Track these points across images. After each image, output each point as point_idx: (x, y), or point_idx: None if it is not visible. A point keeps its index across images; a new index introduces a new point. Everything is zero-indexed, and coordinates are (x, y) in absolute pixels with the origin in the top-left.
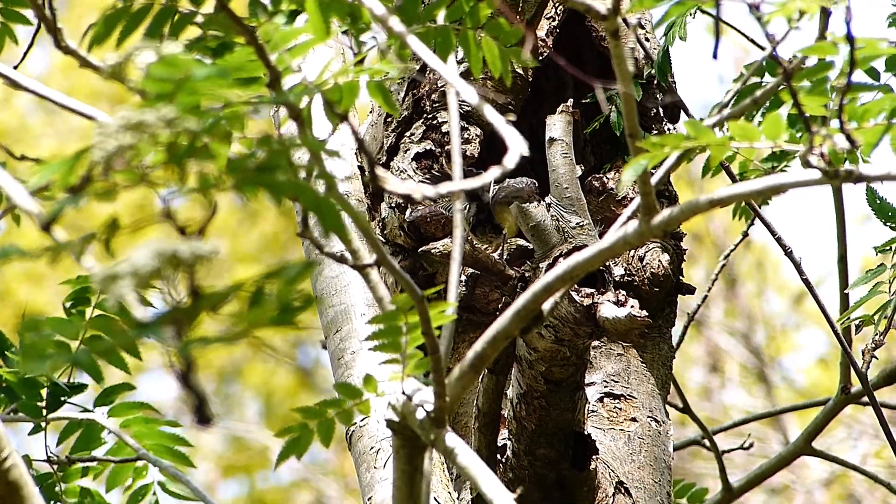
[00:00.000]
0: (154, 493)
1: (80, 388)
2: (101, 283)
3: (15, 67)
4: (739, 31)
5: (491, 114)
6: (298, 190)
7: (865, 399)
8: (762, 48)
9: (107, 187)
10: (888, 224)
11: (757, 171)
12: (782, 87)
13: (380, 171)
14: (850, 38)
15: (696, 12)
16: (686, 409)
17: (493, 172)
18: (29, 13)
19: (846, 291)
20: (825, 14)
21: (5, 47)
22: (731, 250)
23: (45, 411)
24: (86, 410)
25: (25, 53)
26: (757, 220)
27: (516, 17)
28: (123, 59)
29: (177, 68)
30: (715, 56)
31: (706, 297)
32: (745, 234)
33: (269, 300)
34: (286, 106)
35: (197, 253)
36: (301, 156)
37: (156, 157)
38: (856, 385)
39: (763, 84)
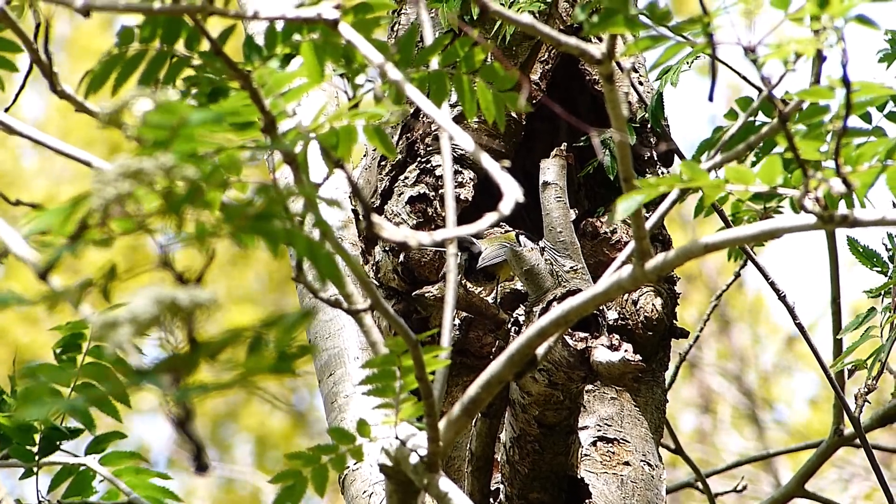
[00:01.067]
0: None
1: (76, 432)
2: (101, 330)
3: (6, 110)
4: (735, 72)
5: (486, 160)
6: (293, 238)
7: (858, 441)
8: (758, 89)
9: (104, 235)
10: (874, 269)
11: (750, 213)
12: (778, 130)
13: (375, 217)
14: (846, 82)
15: (692, 62)
16: (679, 451)
17: (489, 219)
18: (20, 58)
19: (839, 336)
20: (820, 58)
21: None
22: (723, 291)
23: (37, 456)
24: (77, 457)
25: (17, 95)
26: (750, 263)
27: (511, 62)
28: (120, 106)
29: (172, 114)
30: (711, 98)
31: (698, 337)
32: (738, 275)
33: (267, 348)
34: (281, 151)
35: (196, 301)
36: (296, 200)
37: (153, 204)
38: (848, 427)
39: (756, 123)
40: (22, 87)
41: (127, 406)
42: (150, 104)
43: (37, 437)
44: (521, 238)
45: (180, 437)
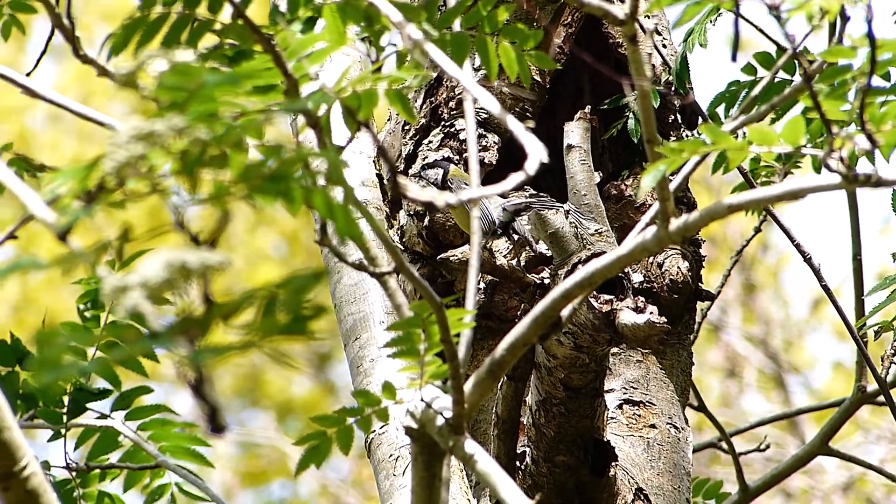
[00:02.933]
0: (171, 494)
1: (105, 393)
2: (112, 294)
3: (27, 75)
4: (760, 30)
5: (510, 121)
6: (311, 197)
7: (881, 399)
8: (780, 47)
9: (120, 197)
10: None
11: (768, 169)
12: (801, 90)
13: (400, 178)
14: (870, 39)
15: (716, 20)
16: (703, 409)
17: (514, 179)
18: (37, 22)
19: (863, 297)
20: (843, 17)
21: (16, 60)
22: (744, 246)
23: (65, 418)
24: (103, 416)
25: (39, 59)
26: (774, 226)
27: (533, 25)
28: (136, 67)
29: (189, 76)
30: (734, 59)
31: (718, 293)
32: (758, 230)
33: (281, 309)
34: (304, 113)
35: (207, 263)
36: (320, 164)
37: (167, 166)
38: (871, 384)
39: (775, 80)
40: (44, 52)
41: (155, 361)
42: (166, 65)
43: (65, 399)
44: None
45: (196, 400)
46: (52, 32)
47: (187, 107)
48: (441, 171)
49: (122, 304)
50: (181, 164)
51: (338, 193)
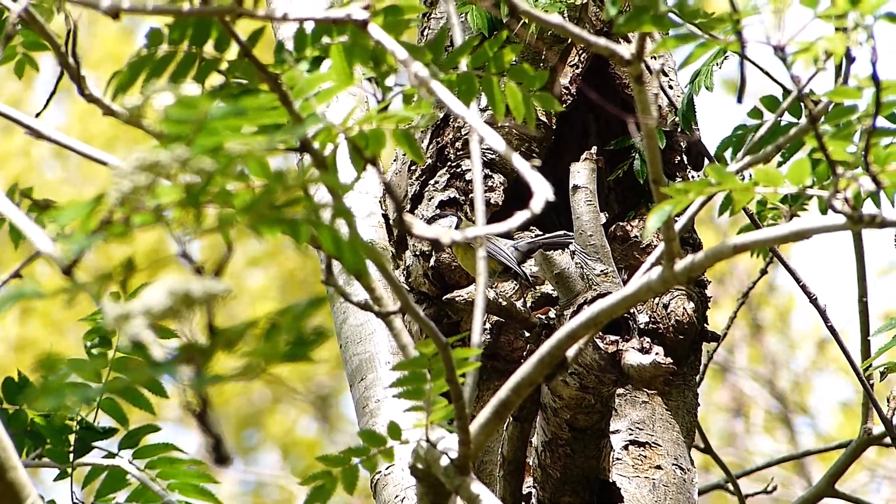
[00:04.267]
0: None
1: (110, 432)
2: (114, 321)
3: (36, 116)
4: (764, 72)
5: (516, 160)
6: (316, 228)
7: (888, 440)
8: (786, 89)
9: (124, 228)
10: None
11: (774, 212)
12: (807, 131)
13: (406, 215)
14: (876, 80)
15: (722, 62)
16: (709, 451)
17: (519, 217)
18: (45, 63)
19: (868, 338)
20: (848, 58)
21: (23, 97)
22: (750, 288)
23: (72, 456)
24: (111, 455)
25: (48, 100)
26: (781, 267)
27: (540, 66)
28: (142, 102)
29: (194, 109)
30: (740, 101)
31: (725, 334)
32: (764, 272)
33: (282, 335)
34: (310, 152)
35: (210, 291)
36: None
37: (171, 197)
38: (878, 425)
39: (781, 123)
40: (53, 93)
41: (163, 396)
42: (172, 99)
43: (72, 438)
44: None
45: (200, 429)
46: (62, 73)
47: (193, 140)
48: (455, 221)
49: (124, 332)
50: (185, 196)
51: (343, 228)
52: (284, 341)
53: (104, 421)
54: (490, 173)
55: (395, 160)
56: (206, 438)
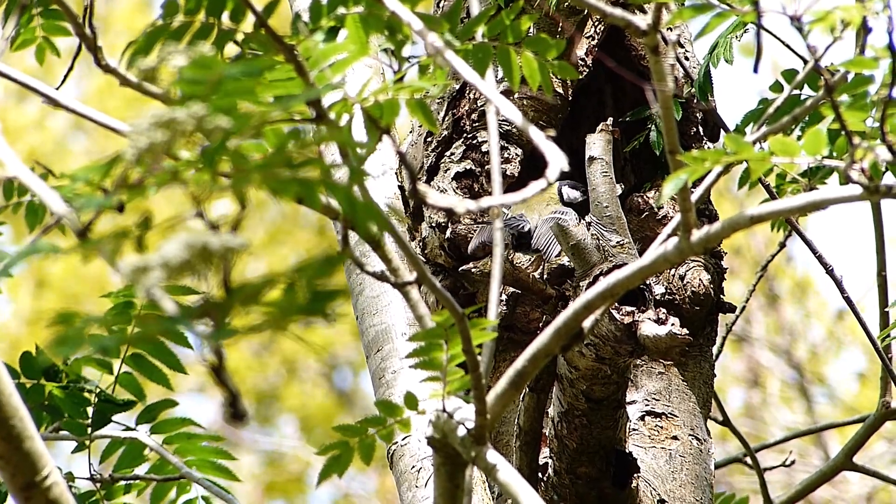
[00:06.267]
0: None
1: (128, 405)
2: (131, 275)
3: (57, 88)
4: (782, 42)
5: (532, 131)
6: (331, 190)
7: None
8: (803, 59)
9: (140, 186)
10: None
11: (794, 185)
12: (823, 101)
13: (421, 185)
14: (892, 50)
15: (742, 35)
16: (727, 423)
17: (535, 187)
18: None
19: (886, 309)
20: (865, 28)
21: (38, 75)
22: (768, 262)
23: (89, 429)
24: (128, 429)
25: (67, 73)
26: (798, 238)
27: (561, 26)
28: (157, 63)
29: (209, 69)
30: (756, 70)
31: (744, 308)
32: (783, 246)
33: (300, 290)
34: (326, 123)
35: (227, 245)
36: (341, 176)
37: (187, 154)
38: (895, 399)
39: (801, 96)
40: (72, 67)
41: (182, 372)
42: (185, 60)
43: (89, 411)
44: (564, 189)
45: (216, 385)
46: (80, 48)
47: (207, 100)
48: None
49: (141, 286)
50: (201, 154)
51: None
52: (303, 296)
53: (121, 395)
54: (506, 145)
55: (410, 131)
56: (222, 394)
